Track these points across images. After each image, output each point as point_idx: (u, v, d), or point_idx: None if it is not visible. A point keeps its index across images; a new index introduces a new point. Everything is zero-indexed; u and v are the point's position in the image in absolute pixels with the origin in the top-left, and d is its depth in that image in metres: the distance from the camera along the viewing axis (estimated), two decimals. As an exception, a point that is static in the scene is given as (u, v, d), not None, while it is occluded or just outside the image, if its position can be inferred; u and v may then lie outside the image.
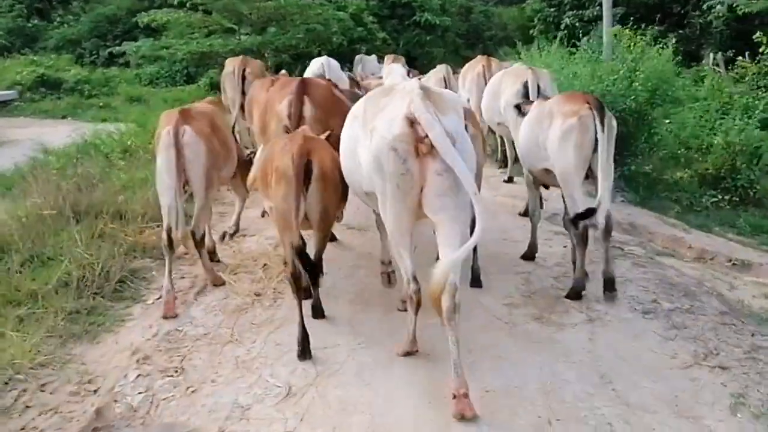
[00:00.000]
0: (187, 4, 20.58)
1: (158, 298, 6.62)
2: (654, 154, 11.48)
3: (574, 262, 6.72)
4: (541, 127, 6.55)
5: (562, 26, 26.80)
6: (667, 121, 11.73)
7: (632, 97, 10.41)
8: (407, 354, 5.23)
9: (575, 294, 6.46)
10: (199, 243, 6.61)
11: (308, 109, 6.88)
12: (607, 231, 6.26)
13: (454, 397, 4.44)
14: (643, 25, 17.95)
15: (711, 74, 17.11)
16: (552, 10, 29.29)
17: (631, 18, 20.22)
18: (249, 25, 21.78)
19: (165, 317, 6.04)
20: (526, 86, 8.91)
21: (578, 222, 6.24)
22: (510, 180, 11.56)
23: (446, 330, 4.54)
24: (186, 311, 6.47)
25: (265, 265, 7.65)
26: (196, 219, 6.48)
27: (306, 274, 5.32)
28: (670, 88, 11.51)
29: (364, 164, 4.84)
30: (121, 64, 25.88)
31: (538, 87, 8.85)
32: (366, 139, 4.75)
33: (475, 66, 11.77)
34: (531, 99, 8.16)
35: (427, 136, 4.36)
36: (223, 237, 7.83)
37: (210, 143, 6.19)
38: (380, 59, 18.02)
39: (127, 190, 9.03)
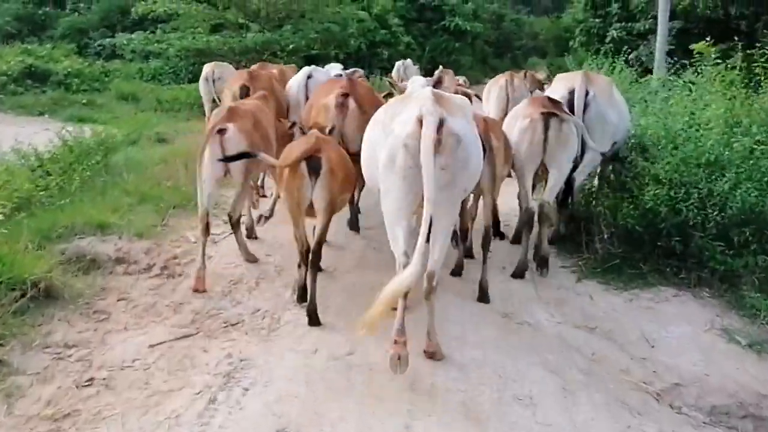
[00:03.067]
0: (192, -5, 18.24)
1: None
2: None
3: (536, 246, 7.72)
4: (509, 126, 7.32)
5: (608, 39, 24.61)
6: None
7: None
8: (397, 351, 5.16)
9: (520, 273, 7.39)
10: (235, 224, 7.37)
11: (352, 103, 7.52)
12: (544, 217, 7.30)
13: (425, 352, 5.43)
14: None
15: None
16: (597, 20, 26.82)
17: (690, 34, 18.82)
18: (263, 22, 19.33)
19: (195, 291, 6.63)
20: (572, 93, 7.66)
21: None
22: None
23: (426, 304, 5.40)
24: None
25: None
26: (234, 204, 7.25)
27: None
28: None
29: (379, 160, 5.24)
30: (126, 58, 23.48)
31: (587, 93, 7.63)
32: (384, 140, 5.22)
33: (498, 80, 10.92)
34: (576, 109, 7.48)
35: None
36: (259, 219, 8.21)
37: (250, 139, 6.70)
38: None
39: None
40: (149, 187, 9.39)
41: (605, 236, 7.61)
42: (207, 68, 13.59)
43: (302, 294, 6.34)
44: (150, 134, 14.01)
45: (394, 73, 17.09)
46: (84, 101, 18.80)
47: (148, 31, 19.17)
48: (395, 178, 5.03)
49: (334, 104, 7.46)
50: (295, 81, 9.70)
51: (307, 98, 8.93)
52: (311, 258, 5.99)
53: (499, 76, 11.23)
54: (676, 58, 13.77)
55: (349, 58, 24.56)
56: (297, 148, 5.94)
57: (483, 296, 6.72)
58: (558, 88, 8.05)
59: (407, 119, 5.00)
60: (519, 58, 46.07)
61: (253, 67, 11.06)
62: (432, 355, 5.42)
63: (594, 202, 8.38)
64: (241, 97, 8.73)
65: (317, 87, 8.73)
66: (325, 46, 21.64)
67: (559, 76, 8.96)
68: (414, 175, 4.88)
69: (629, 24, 25.05)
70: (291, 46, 19.60)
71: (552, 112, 6.84)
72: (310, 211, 5.93)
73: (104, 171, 9.96)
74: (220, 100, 12.28)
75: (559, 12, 48.99)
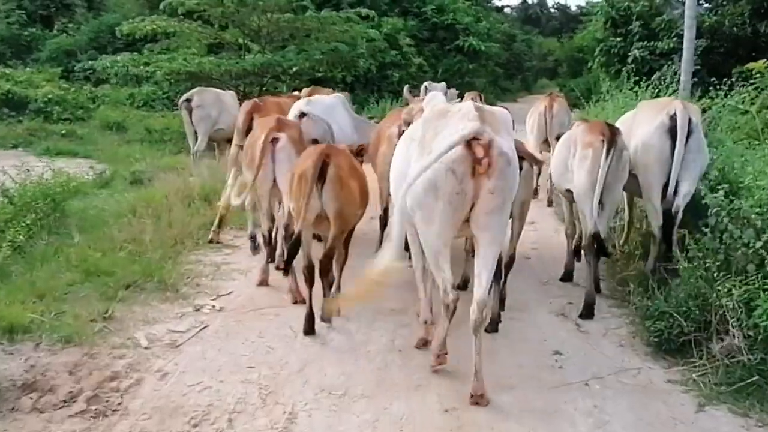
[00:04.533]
0: (181, 13, 15.93)
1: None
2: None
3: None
4: (568, 152, 6.85)
5: (629, 59, 22.88)
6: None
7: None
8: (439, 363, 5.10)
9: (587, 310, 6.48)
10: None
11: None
12: (599, 249, 6.52)
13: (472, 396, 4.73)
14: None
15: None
16: (618, 39, 24.61)
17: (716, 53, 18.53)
18: (265, 42, 17.13)
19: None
20: (673, 119, 6.57)
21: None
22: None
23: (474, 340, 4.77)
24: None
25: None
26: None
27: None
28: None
29: (417, 184, 4.66)
30: (130, 81, 21.21)
31: (690, 121, 6.57)
32: (422, 160, 4.63)
33: (539, 105, 11.36)
34: (680, 137, 6.49)
35: (484, 156, 4.42)
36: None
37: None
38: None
39: None
40: (102, 253, 7.05)
41: (735, 338, 5.16)
42: (185, 96, 12.01)
43: (310, 323, 5.81)
44: (126, 173, 11.62)
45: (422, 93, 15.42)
46: (63, 132, 16.39)
47: (134, 53, 16.81)
48: (441, 204, 4.59)
49: (396, 134, 6.74)
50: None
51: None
52: (320, 267, 5.78)
53: (540, 101, 11.72)
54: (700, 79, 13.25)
55: (358, 80, 22.45)
56: (308, 155, 5.77)
57: (493, 325, 5.99)
58: (651, 116, 6.89)
59: (452, 141, 4.49)
60: (529, 80, 44.43)
61: (304, 90, 10.46)
62: (479, 399, 4.77)
63: (704, 280, 5.76)
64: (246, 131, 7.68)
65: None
66: (331, 68, 19.42)
67: (645, 102, 8.20)
68: (460, 201, 4.56)
69: (652, 43, 23.18)
70: (294, 69, 17.34)
71: (614, 140, 6.33)
72: (321, 223, 5.69)
73: (51, 229, 7.63)
74: (197, 134, 11.74)
75: (568, 32, 47.55)
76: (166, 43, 16.79)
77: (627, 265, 7.41)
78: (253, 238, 7.78)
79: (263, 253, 7.19)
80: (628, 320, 6.32)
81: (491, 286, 4.92)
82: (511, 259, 6.28)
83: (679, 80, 15.11)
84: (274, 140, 6.42)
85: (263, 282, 6.93)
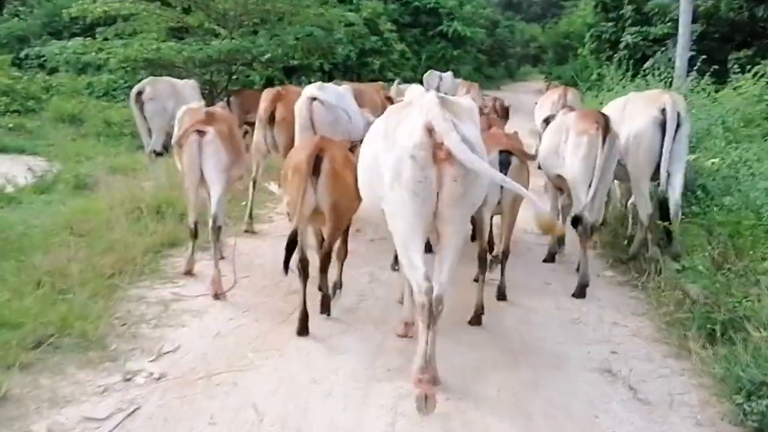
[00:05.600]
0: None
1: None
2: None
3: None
4: (560, 138, 6.84)
5: (622, 45, 22.28)
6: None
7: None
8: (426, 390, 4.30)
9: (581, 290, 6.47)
10: (215, 231, 6.29)
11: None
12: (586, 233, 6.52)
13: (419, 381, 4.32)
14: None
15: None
16: (610, 25, 23.76)
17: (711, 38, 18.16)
18: (234, 27, 15.43)
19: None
20: (664, 113, 6.76)
21: (577, 224, 6.51)
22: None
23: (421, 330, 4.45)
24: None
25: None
26: (215, 210, 6.27)
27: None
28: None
29: (384, 176, 4.54)
30: (79, 69, 19.34)
31: (678, 115, 6.79)
32: (387, 152, 4.51)
33: (550, 96, 10.73)
34: (669, 129, 6.70)
35: (443, 142, 4.25)
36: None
37: (228, 144, 6.37)
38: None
39: None
40: (13, 293, 5.39)
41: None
42: (136, 88, 10.60)
43: (304, 323, 5.48)
44: (70, 176, 9.97)
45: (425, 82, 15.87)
46: (11, 125, 14.57)
47: (88, 38, 15.01)
48: (404, 194, 4.34)
49: None
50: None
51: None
52: (320, 263, 5.61)
53: (550, 91, 11.32)
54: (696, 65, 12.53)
55: (336, 68, 20.86)
56: (302, 147, 5.66)
57: (476, 319, 5.78)
58: (642, 109, 7.08)
59: (413, 128, 4.38)
60: (512, 67, 43.10)
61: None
62: (430, 381, 4.37)
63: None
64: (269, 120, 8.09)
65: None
66: (307, 55, 17.74)
67: (635, 94, 8.03)
68: (425, 190, 4.31)
69: (645, 28, 22.39)
70: (267, 56, 15.64)
71: (608, 127, 6.40)
72: (318, 216, 5.48)
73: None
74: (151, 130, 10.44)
75: (550, 18, 46.32)
76: (122, 27, 14.96)
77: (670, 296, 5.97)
78: None
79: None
80: (694, 380, 4.83)
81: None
82: (506, 252, 6.16)
83: (674, 66, 14.66)
84: (202, 133, 6.21)
85: (217, 293, 6.13)
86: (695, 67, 12.95)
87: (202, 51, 14.04)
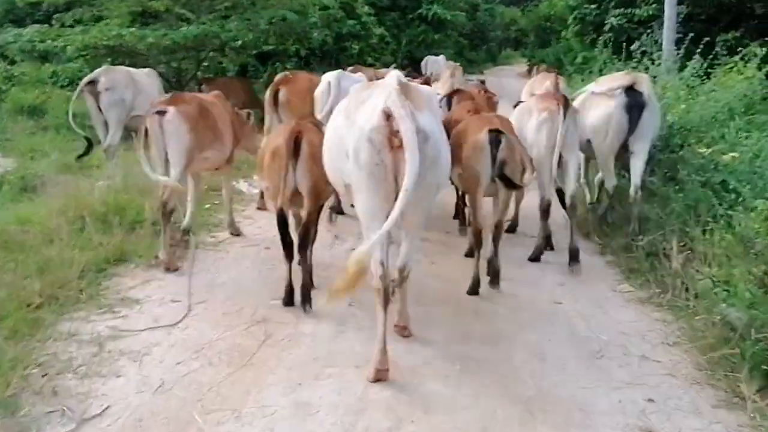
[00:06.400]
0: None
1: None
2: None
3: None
4: (522, 120, 6.89)
5: (606, 27, 21.10)
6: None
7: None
8: (378, 378, 4.35)
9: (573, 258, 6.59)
10: (166, 215, 6.32)
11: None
12: (572, 208, 6.69)
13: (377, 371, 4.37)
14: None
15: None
16: (593, 7, 22.98)
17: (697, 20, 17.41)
18: (202, 11, 14.27)
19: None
20: (629, 93, 7.02)
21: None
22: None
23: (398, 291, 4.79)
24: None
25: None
26: (168, 192, 6.27)
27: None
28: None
29: (346, 153, 4.63)
30: (37, 58, 18.00)
31: (643, 96, 7.10)
32: (348, 131, 4.58)
33: (542, 81, 10.05)
34: (644, 109, 7.00)
35: (399, 130, 4.26)
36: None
37: (192, 124, 6.29)
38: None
39: None
40: None
41: None
42: (88, 77, 9.68)
43: (290, 296, 5.55)
44: (15, 177, 8.80)
45: (422, 67, 15.93)
46: (-36, 119, 13.32)
47: (46, 25, 13.74)
48: (362, 175, 4.42)
49: None
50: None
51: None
52: (299, 242, 5.53)
53: (542, 76, 10.78)
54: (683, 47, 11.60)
55: (313, 54, 19.67)
56: (279, 133, 5.67)
57: (494, 279, 5.96)
58: (609, 89, 7.32)
59: (372, 111, 4.39)
60: (494, 51, 42.07)
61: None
62: (402, 330, 4.99)
63: None
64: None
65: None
66: (281, 40, 16.57)
67: (603, 77, 8.73)
68: (381, 172, 4.36)
69: (629, 10, 21.38)
70: (238, 42, 14.47)
71: (569, 105, 6.54)
72: (296, 198, 5.43)
73: None
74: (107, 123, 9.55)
75: (531, 1, 45.30)
76: (80, 13, 13.70)
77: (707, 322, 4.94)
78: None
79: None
80: None
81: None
82: (498, 229, 5.97)
83: (661, 48, 13.84)
84: (162, 113, 6.16)
85: (170, 266, 6.19)
86: (682, 49, 12.07)
87: (167, 37, 12.89)
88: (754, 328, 4.37)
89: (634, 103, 6.99)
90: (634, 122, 6.98)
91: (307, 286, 5.57)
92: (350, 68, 10.17)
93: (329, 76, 8.19)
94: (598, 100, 7.37)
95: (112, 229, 6.53)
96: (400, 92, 4.36)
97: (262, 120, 8.63)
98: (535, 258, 6.79)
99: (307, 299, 5.49)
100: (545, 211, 6.76)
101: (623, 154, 7.25)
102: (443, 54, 20.66)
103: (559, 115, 6.38)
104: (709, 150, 7.36)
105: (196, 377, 4.27)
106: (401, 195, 4.07)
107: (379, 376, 4.33)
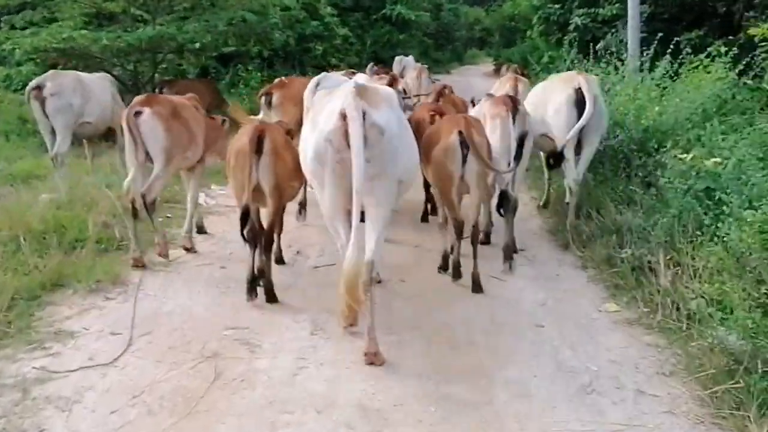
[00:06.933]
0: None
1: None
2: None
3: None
4: None
5: (571, 27, 21.00)
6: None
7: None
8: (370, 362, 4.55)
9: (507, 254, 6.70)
10: (149, 205, 6.40)
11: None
12: (514, 206, 6.75)
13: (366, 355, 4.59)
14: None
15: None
16: (557, 6, 22.90)
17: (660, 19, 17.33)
18: (157, 12, 13.64)
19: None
20: (578, 92, 7.29)
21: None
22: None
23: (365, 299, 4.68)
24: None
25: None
26: (150, 184, 6.40)
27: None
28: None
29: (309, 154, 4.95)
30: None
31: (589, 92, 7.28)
32: (311, 134, 4.89)
33: (504, 84, 10.07)
34: (588, 106, 7.13)
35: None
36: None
37: (167, 124, 6.40)
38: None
39: None
40: None
41: None
42: (34, 82, 8.83)
43: (252, 285, 5.59)
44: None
45: (394, 67, 15.65)
46: None
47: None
48: (327, 172, 4.72)
49: None
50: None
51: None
52: (264, 242, 5.60)
53: (505, 78, 10.77)
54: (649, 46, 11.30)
55: (277, 55, 19.02)
56: (243, 133, 5.71)
57: (477, 287, 5.96)
58: (560, 89, 7.61)
59: (330, 114, 4.67)
60: (459, 50, 41.70)
61: None
62: (372, 357, 4.62)
63: None
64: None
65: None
66: (243, 42, 15.91)
67: (554, 76, 9.00)
68: (342, 169, 4.60)
69: (593, 10, 21.15)
70: (197, 44, 13.79)
71: (516, 109, 6.67)
72: (260, 196, 5.56)
73: None
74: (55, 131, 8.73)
75: (495, 1, 45.11)
76: (30, 15, 12.96)
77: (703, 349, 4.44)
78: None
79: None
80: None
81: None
82: (475, 230, 6.14)
83: (626, 47, 13.99)
84: (138, 113, 6.27)
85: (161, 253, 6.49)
86: (651, 49, 11.76)
87: (121, 39, 12.17)
88: (760, 360, 3.88)
89: (582, 99, 7.16)
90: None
91: (270, 283, 5.64)
92: (344, 72, 9.67)
93: (317, 77, 8.01)
94: (551, 97, 7.64)
95: (49, 249, 5.88)
96: (356, 94, 4.52)
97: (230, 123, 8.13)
98: (506, 256, 6.69)
99: (271, 297, 5.60)
100: (507, 204, 6.81)
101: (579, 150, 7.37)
102: (411, 54, 20.17)
103: (508, 120, 6.53)
104: (690, 155, 6.87)
105: (132, 430, 3.66)
106: (354, 194, 4.33)
107: (370, 360, 4.53)
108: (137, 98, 6.64)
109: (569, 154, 7.30)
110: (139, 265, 6.24)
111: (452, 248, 6.18)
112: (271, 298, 5.60)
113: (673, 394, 4.12)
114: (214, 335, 4.81)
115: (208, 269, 6.24)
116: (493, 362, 4.53)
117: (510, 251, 6.62)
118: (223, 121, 7.62)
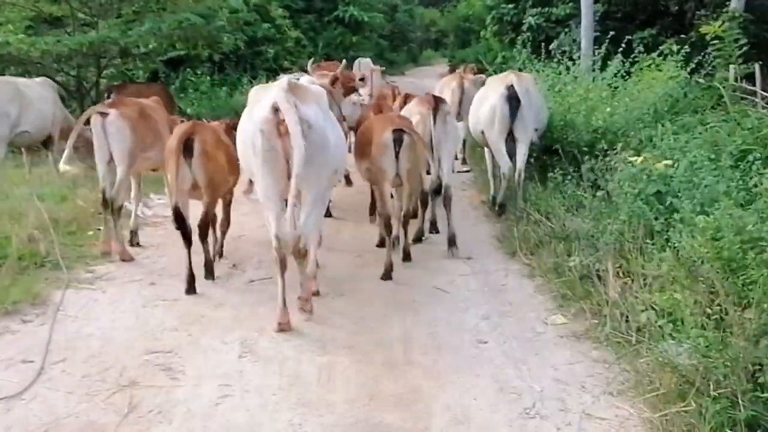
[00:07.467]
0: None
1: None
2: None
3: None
4: None
5: (525, 27, 20.92)
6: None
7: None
8: (281, 329, 4.98)
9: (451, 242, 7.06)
10: (115, 211, 6.63)
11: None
12: (447, 198, 7.00)
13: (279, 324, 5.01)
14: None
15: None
16: (510, 6, 22.71)
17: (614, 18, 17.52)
18: (113, 16, 13.33)
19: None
20: (510, 89, 7.95)
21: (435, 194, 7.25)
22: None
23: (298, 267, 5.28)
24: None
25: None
26: (116, 189, 6.60)
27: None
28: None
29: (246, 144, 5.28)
30: None
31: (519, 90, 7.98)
32: (247, 125, 5.21)
33: (449, 83, 10.76)
34: (521, 101, 7.92)
35: (284, 120, 4.80)
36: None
37: (133, 125, 6.55)
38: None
39: None
40: None
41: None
42: None
43: (191, 286, 5.79)
44: None
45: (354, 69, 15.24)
46: None
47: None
48: (258, 162, 5.04)
49: None
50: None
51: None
52: (199, 232, 5.93)
53: (450, 77, 11.34)
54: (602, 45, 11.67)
55: (228, 59, 18.60)
56: (175, 135, 5.89)
57: (387, 275, 6.28)
58: (494, 88, 8.22)
59: (264, 106, 5.00)
60: (415, 51, 41.55)
61: None
62: (304, 303, 5.29)
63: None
64: None
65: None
66: (191, 45, 15.43)
67: (491, 77, 9.36)
68: (273, 158, 4.95)
69: (547, 9, 21.12)
70: (142, 48, 13.33)
71: (438, 108, 6.99)
72: (195, 192, 5.87)
73: None
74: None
75: (450, 2, 45.01)
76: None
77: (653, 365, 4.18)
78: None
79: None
80: None
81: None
82: (406, 216, 6.72)
83: (579, 47, 14.26)
84: (104, 115, 6.41)
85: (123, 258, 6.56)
86: (603, 48, 11.63)
87: (61, 44, 11.65)
88: (712, 381, 3.61)
89: (514, 96, 7.80)
90: (514, 112, 7.80)
91: (210, 262, 6.09)
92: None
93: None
94: (487, 96, 8.28)
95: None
96: (287, 90, 4.88)
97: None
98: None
99: (210, 274, 6.04)
100: (435, 191, 7.15)
101: (511, 143, 7.98)
102: (366, 56, 19.93)
103: (429, 118, 6.85)
104: (640, 158, 6.63)
105: None
106: (293, 176, 4.61)
107: (282, 328, 4.98)
108: (108, 101, 7.04)
109: (500, 144, 7.95)
110: (126, 259, 6.51)
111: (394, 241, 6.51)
112: (210, 274, 6.05)
113: (620, 416, 3.83)
114: (133, 361, 4.42)
115: (137, 286, 5.83)
116: (431, 384, 4.20)
117: (453, 237, 6.98)
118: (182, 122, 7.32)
